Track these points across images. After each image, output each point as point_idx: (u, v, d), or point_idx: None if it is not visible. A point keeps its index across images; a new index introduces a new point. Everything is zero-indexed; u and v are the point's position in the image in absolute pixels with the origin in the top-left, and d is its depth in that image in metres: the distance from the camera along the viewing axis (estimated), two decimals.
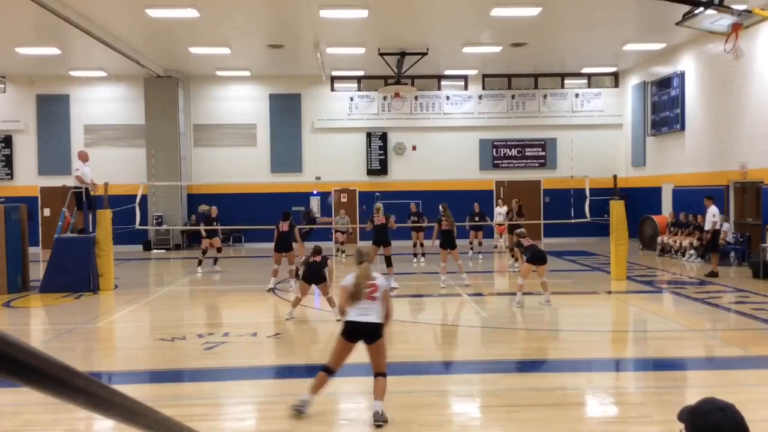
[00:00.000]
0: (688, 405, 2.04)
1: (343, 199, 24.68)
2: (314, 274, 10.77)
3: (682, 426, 2.03)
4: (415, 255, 18.87)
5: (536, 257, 11.59)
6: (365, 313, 5.99)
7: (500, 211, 22.17)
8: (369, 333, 5.98)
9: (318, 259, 10.80)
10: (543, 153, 25.12)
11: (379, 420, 5.85)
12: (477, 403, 6.58)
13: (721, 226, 16.56)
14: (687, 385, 7.37)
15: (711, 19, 11.72)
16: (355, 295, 6.01)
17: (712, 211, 15.14)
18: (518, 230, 12.28)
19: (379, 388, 6.02)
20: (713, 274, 14.85)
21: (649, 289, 13.81)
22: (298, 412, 5.97)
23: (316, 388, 6.07)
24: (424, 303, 12.50)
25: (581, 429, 5.71)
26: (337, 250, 20.47)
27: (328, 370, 6.10)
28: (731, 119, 17.75)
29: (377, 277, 6.18)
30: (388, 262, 13.95)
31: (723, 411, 1.96)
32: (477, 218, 19.56)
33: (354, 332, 6.03)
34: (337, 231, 20.69)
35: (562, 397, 6.53)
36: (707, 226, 15.46)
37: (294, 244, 14.09)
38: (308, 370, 7.94)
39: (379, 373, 6.07)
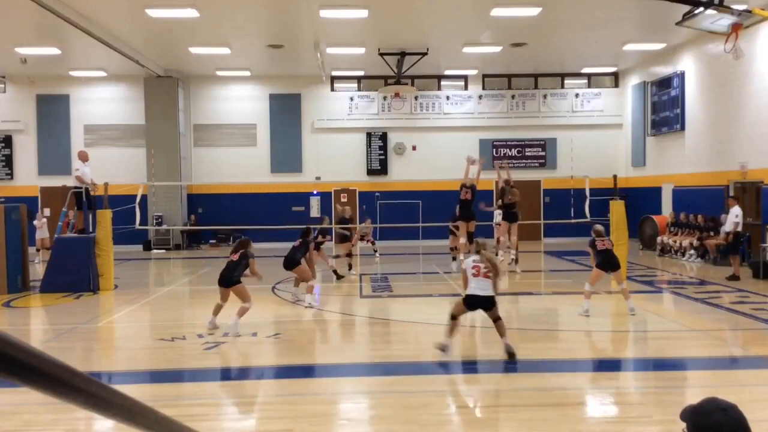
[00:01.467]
0: (690, 404, 2.04)
1: (343, 199, 24.67)
2: (225, 277, 9.58)
3: (684, 425, 2.03)
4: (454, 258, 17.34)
5: (609, 264, 10.59)
6: (483, 288, 7.75)
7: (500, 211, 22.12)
8: (486, 303, 7.82)
9: (235, 257, 9.57)
10: (543, 153, 25.11)
11: (511, 350, 7.77)
12: (477, 403, 6.58)
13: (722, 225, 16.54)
14: (687, 385, 7.37)
15: (711, 19, 11.72)
16: (478, 271, 7.76)
17: (735, 211, 14.88)
18: (597, 227, 11.00)
19: (502, 329, 7.90)
20: (734, 277, 14.28)
21: (649, 289, 13.80)
22: (443, 350, 7.82)
23: (451, 332, 8.03)
24: (423, 303, 12.49)
25: (581, 429, 5.71)
26: (375, 251, 20.00)
27: (454, 317, 8.02)
28: (731, 119, 17.74)
29: (494, 256, 7.96)
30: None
31: (725, 411, 1.96)
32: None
33: (474, 303, 7.86)
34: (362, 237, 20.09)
35: (562, 397, 6.52)
36: (728, 227, 15.16)
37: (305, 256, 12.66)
38: (308, 370, 7.96)
39: (496, 318, 7.90)
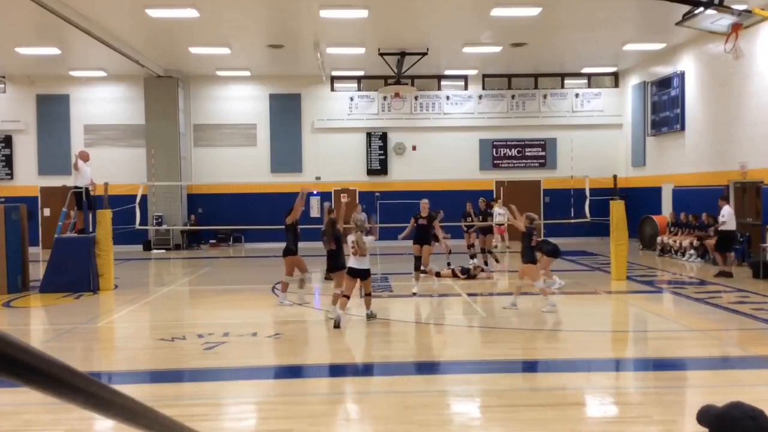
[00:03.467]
0: (708, 407, 1.91)
1: (343, 199, 24.66)
2: (340, 265, 10.66)
3: (701, 429, 1.92)
4: (473, 256, 17.07)
5: (555, 251, 12.16)
6: (359, 263, 10.04)
7: (500, 211, 22.14)
8: (363, 274, 10.12)
9: (334, 246, 10.63)
10: (543, 153, 25.11)
11: (372, 316, 10.23)
12: (477, 403, 6.58)
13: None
14: (687, 385, 7.37)
15: (711, 19, 11.72)
16: (354, 250, 10.05)
17: (723, 211, 15.14)
18: (531, 214, 11.56)
19: (368, 301, 10.35)
20: (725, 274, 14.66)
21: (649, 289, 13.81)
22: (336, 325, 9.71)
23: (343, 306, 9.94)
24: (423, 303, 12.49)
25: (581, 429, 5.71)
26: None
27: (347, 297, 10.00)
28: (731, 119, 17.74)
29: (367, 239, 10.14)
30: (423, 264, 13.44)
31: (755, 419, 1.81)
32: (470, 218, 17.31)
33: (353, 273, 10.04)
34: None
35: (562, 397, 6.52)
36: (721, 226, 15.41)
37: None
38: (308, 370, 7.96)
39: (367, 294, 10.31)
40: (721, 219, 15.11)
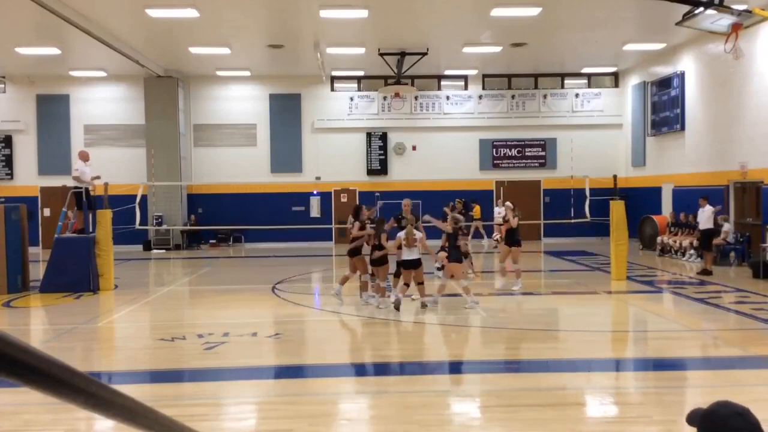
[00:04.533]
0: (698, 408, 1.94)
1: (343, 199, 24.67)
2: (380, 259, 11.28)
3: (692, 430, 1.94)
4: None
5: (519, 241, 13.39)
6: (411, 254, 10.87)
7: (500, 211, 22.18)
8: (415, 264, 10.95)
9: (377, 241, 11.21)
10: (543, 153, 25.11)
11: (425, 305, 11.01)
12: (477, 403, 6.57)
13: (721, 225, 16.64)
14: (687, 385, 7.37)
15: (711, 19, 11.71)
16: (406, 242, 10.86)
17: (704, 211, 15.45)
18: (457, 216, 12.31)
19: (421, 291, 11.15)
20: (705, 272, 15.13)
21: (649, 289, 13.80)
22: (396, 307, 10.82)
23: (403, 291, 11.05)
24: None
25: (581, 429, 5.71)
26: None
27: (407, 285, 11.02)
28: (731, 119, 17.74)
29: (416, 233, 10.92)
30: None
31: (742, 416, 1.85)
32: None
33: (406, 265, 10.95)
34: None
35: (562, 397, 6.52)
36: (704, 225, 15.61)
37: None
38: (308, 370, 7.96)
39: (420, 283, 11.05)
40: (703, 217, 15.33)
